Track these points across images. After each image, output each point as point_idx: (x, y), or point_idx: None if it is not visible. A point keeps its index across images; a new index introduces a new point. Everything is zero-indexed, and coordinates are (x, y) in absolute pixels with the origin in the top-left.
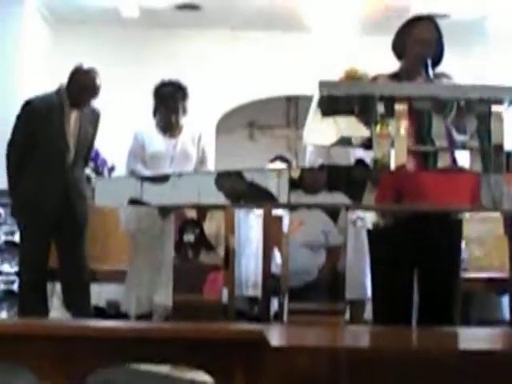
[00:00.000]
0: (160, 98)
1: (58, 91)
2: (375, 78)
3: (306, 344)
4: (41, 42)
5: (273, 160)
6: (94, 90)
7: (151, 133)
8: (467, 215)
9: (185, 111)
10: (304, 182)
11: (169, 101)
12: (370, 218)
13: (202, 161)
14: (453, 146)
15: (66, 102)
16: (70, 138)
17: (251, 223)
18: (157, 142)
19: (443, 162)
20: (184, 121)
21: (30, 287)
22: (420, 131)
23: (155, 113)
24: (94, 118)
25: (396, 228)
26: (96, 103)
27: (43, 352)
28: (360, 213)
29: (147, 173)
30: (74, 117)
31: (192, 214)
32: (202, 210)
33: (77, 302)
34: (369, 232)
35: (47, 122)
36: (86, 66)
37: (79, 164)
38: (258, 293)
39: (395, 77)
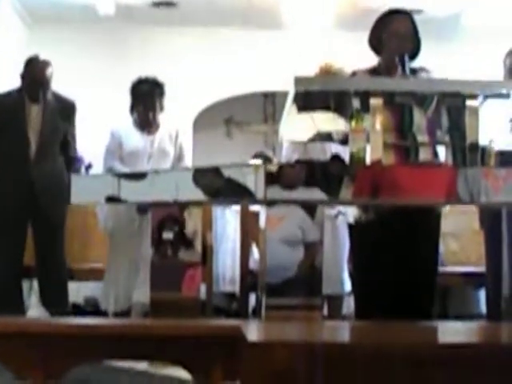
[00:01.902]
0: (137, 95)
1: (21, 87)
2: (354, 74)
3: (283, 339)
4: (17, 41)
5: (253, 157)
6: (43, 81)
7: (128, 130)
8: (447, 209)
9: (162, 108)
10: (281, 177)
11: (146, 98)
12: (351, 213)
13: (179, 158)
14: (434, 139)
15: (26, 96)
16: (30, 133)
17: (228, 219)
18: (134, 139)
19: (424, 155)
20: (161, 118)
21: (4, 284)
22: (401, 125)
23: (132, 110)
24: (66, 110)
25: (377, 222)
26: (73, 99)
27: (20, 350)
28: (341, 208)
29: (125, 170)
30: (35, 111)
31: (170, 211)
32: (181, 207)
33: (54, 300)
34: (350, 227)
35: (8, 117)
36: (40, 57)
37: (48, 159)
38: (236, 288)
39: (374, 72)
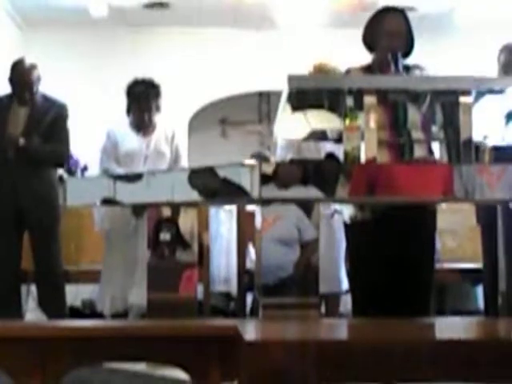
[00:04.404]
0: (133, 96)
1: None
2: (348, 71)
3: (281, 338)
4: (10, 43)
5: (250, 157)
6: (29, 83)
7: (124, 131)
8: (443, 206)
9: (158, 109)
10: (277, 176)
11: (142, 99)
12: (347, 212)
13: (175, 159)
14: (429, 136)
15: (15, 99)
16: (12, 136)
17: (221, 219)
18: (130, 140)
19: (419, 152)
20: (157, 119)
21: (1, 289)
22: (395, 123)
23: (128, 111)
24: (56, 112)
25: (373, 221)
26: (67, 102)
27: (18, 353)
28: (337, 206)
29: (120, 171)
30: (23, 114)
31: (167, 212)
32: (177, 208)
33: (51, 303)
34: (346, 225)
35: None
36: (27, 60)
37: (32, 161)
38: (230, 288)
39: (368, 69)
